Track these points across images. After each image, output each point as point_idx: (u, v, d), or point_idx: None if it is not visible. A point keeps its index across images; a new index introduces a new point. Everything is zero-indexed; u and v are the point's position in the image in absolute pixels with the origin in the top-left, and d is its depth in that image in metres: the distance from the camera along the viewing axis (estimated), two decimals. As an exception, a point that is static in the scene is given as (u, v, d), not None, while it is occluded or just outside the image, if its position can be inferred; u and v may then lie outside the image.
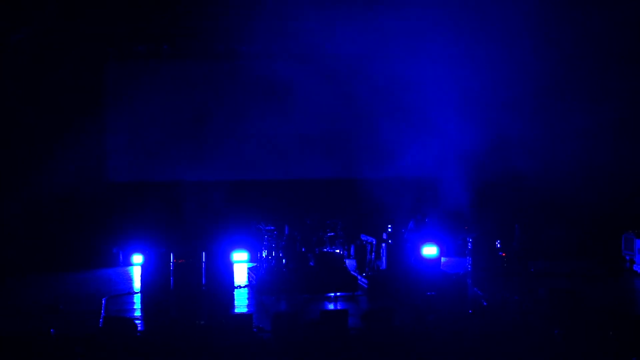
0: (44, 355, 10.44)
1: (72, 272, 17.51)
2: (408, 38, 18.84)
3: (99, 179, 18.92)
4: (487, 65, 18.58)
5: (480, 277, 16.01)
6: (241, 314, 12.99)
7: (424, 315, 12.05)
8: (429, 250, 15.81)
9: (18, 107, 18.09)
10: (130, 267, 18.07)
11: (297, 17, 17.65)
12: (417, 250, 15.80)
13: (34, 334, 10.70)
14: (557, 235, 18.92)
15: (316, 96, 18.76)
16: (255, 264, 17.02)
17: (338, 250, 16.77)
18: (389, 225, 16.74)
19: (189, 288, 14.50)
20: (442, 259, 16.38)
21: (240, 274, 16.62)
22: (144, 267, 14.55)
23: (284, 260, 15.87)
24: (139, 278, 14.91)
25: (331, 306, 14.37)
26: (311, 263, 15.87)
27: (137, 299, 14.97)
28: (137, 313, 14.01)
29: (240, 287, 15.83)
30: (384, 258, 16.07)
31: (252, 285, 15.83)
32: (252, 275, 16.21)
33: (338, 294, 15.01)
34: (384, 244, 16.18)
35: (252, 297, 15.20)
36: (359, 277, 15.97)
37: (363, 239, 17.20)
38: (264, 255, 16.32)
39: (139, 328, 11.94)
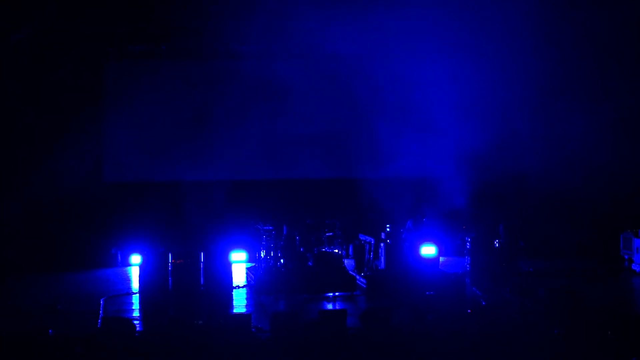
0: (42, 355, 10.42)
1: (70, 272, 17.52)
2: (407, 38, 18.84)
3: (97, 179, 18.91)
4: (487, 65, 18.57)
5: (478, 277, 15.97)
6: (240, 314, 12.97)
7: (422, 314, 12.03)
8: (428, 250, 15.82)
9: (18, 107, 18.09)
10: (129, 267, 18.07)
11: (296, 16, 17.63)
12: (416, 250, 15.80)
13: (32, 334, 10.69)
14: (556, 235, 18.93)
15: (315, 96, 18.78)
16: (253, 264, 17.02)
17: (337, 250, 16.79)
18: (388, 225, 16.73)
19: (188, 288, 14.50)
20: (441, 259, 16.38)
21: (239, 274, 16.62)
22: (142, 267, 14.56)
23: (282, 260, 15.87)
24: (138, 278, 14.91)
25: (330, 306, 14.37)
26: (310, 263, 15.87)
27: (135, 299, 14.97)
28: (136, 313, 14.00)
29: (238, 287, 15.83)
30: (382, 258, 16.07)
31: (251, 285, 15.83)
32: (251, 275, 16.20)
33: (337, 293, 15.00)
34: (382, 244, 16.17)
35: (250, 297, 15.20)
36: (358, 277, 15.97)
37: (361, 238, 17.18)
38: (262, 255, 16.32)
39: (138, 328, 11.94)
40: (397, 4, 17.86)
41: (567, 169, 18.32)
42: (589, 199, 18.43)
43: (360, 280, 15.89)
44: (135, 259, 17.29)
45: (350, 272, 15.96)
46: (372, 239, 16.57)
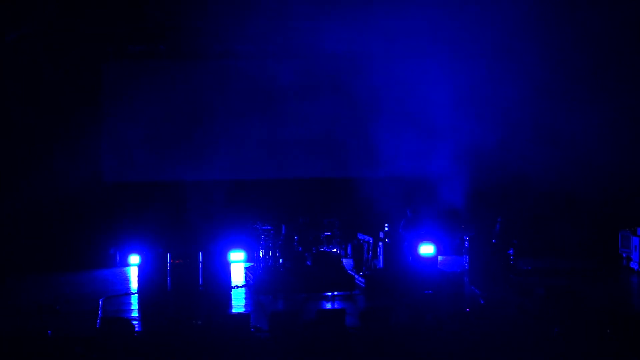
0: (41, 356, 10.41)
1: (69, 272, 17.51)
2: (405, 37, 18.82)
3: (96, 180, 18.89)
4: (486, 64, 18.57)
5: (477, 276, 15.98)
6: (238, 314, 12.98)
7: (421, 314, 12.05)
8: (426, 249, 15.82)
9: (17, 107, 18.08)
10: (127, 267, 18.05)
11: (295, 16, 17.63)
12: (414, 249, 15.81)
13: (30, 335, 10.68)
14: (554, 233, 18.95)
15: (314, 95, 18.75)
16: (252, 264, 17.01)
17: (335, 250, 16.78)
18: (386, 224, 16.75)
19: (186, 288, 14.52)
20: (439, 258, 16.39)
21: (238, 273, 16.61)
22: (140, 267, 14.56)
23: (281, 260, 15.87)
24: (136, 278, 14.91)
25: (328, 305, 14.37)
26: (308, 262, 15.88)
27: (134, 299, 14.97)
28: (135, 313, 14.00)
29: (237, 286, 15.83)
30: (381, 257, 16.08)
31: (250, 285, 15.83)
32: (250, 274, 16.20)
33: (335, 293, 15.01)
34: (381, 243, 16.19)
35: (249, 296, 15.20)
36: (356, 276, 15.97)
37: (360, 238, 17.19)
38: (261, 254, 16.31)
39: (136, 328, 11.93)
40: (396, 4, 17.86)
41: (565, 168, 18.33)
42: (588, 197, 18.44)
43: (359, 279, 15.89)
44: (134, 259, 17.25)
45: (348, 271, 15.97)
46: (371, 238, 16.57)
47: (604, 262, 18.03)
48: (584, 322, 11.48)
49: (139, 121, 18.88)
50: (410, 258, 15.79)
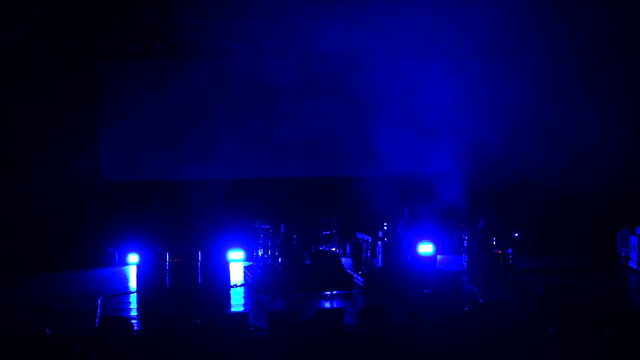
0: (40, 355, 10.40)
1: (67, 271, 17.50)
2: (404, 37, 18.83)
3: (94, 178, 18.89)
4: (486, 64, 18.57)
5: (476, 275, 15.98)
6: (237, 313, 12.96)
7: (420, 313, 12.04)
8: (425, 248, 15.82)
9: (14, 107, 18.06)
10: (126, 266, 18.06)
11: (295, 15, 17.63)
12: (413, 248, 15.81)
13: (29, 334, 10.67)
14: (553, 232, 18.95)
15: (312, 94, 18.74)
16: (251, 263, 17.01)
17: (334, 249, 16.79)
18: (385, 224, 16.74)
19: (185, 287, 14.50)
20: (438, 257, 16.39)
21: (236, 272, 16.61)
22: (139, 266, 14.54)
23: (280, 259, 15.86)
24: (135, 277, 14.90)
25: (327, 305, 14.36)
26: (307, 261, 15.86)
27: (133, 298, 14.97)
28: (133, 313, 14.00)
29: (236, 286, 15.83)
30: (379, 256, 16.07)
31: (248, 284, 15.82)
32: (248, 274, 16.20)
33: (334, 292, 15.00)
34: (379, 242, 16.18)
35: (248, 296, 15.20)
36: (355, 276, 15.97)
37: (359, 237, 17.19)
38: (260, 253, 16.31)
39: (135, 328, 11.93)
40: (396, 3, 17.86)
41: (565, 167, 18.33)
42: (587, 197, 18.44)
43: (358, 278, 15.89)
44: (133, 258, 17.27)
45: (347, 270, 15.96)
46: (370, 237, 16.57)
47: (602, 261, 18.04)
48: (583, 321, 11.48)
49: (138, 120, 18.86)
50: (409, 257, 15.79)
